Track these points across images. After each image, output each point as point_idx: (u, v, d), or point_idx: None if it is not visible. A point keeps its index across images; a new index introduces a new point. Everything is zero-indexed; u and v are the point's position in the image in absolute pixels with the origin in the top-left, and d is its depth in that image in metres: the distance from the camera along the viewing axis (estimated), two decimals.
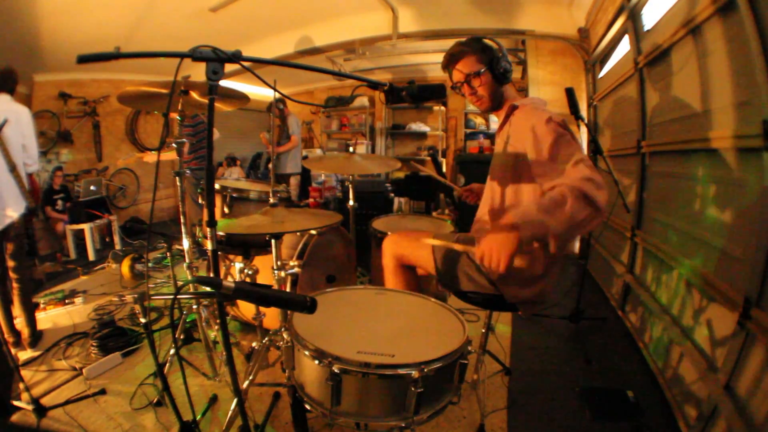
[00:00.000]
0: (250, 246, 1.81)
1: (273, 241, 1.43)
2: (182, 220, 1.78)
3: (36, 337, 2.26)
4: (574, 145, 1.11)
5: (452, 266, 1.37)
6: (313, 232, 1.95)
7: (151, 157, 2.64)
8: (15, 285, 2.13)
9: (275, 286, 1.38)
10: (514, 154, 1.29)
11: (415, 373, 0.86)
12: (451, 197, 1.87)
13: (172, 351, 1.86)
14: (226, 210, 1.89)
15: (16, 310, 2.16)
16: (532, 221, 0.93)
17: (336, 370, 0.86)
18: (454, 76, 1.37)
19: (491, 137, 5.99)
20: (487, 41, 1.33)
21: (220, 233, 1.66)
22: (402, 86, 1.28)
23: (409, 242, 1.45)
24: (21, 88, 4.23)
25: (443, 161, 6.45)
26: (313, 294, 1.04)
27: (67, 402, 1.71)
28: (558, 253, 0.99)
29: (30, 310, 2.23)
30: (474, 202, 1.67)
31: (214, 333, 1.93)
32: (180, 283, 0.85)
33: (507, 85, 1.38)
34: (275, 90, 1.18)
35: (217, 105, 1.70)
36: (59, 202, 4.31)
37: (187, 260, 1.81)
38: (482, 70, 1.31)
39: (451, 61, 1.35)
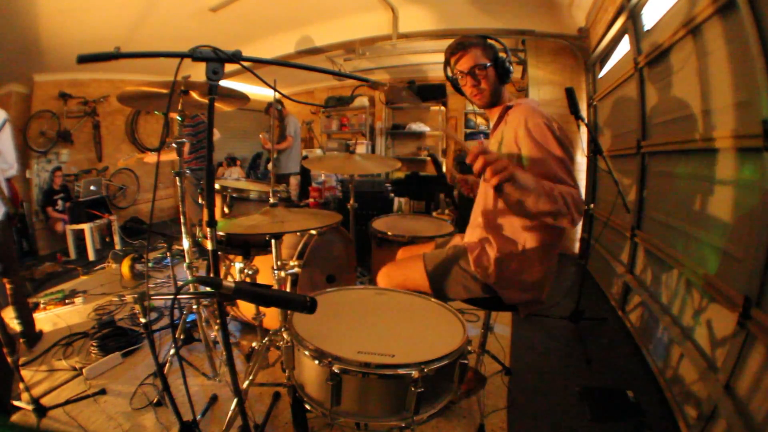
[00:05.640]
0: (250, 246, 1.81)
1: (273, 241, 1.43)
2: (182, 220, 1.78)
3: (35, 337, 2.26)
4: (568, 162, 1.17)
5: (446, 279, 1.38)
6: (313, 232, 1.95)
7: (151, 158, 2.64)
8: (7, 287, 2.13)
9: (275, 286, 1.38)
10: (508, 154, 1.29)
11: (415, 373, 0.86)
12: (451, 197, 1.87)
13: (172, 351, 1.86)
14: (226, 210, 1.89)
15: (10, 312, 2.15)
16: (524, 179, 1.00)
17: (336, 370, 0.86)
18: (458, 65, 1.37)
19: None
20: (492, 41, 1.37)
21: (220, 233, 1.66)
22: (402, 86, 1.29)
23: (401, 271, 1.46)
24: (21, 88, 4.26)
25: (443, 161, 6.45)
26: (313, 294, 1.04)
27: (67, 402, 1.71)
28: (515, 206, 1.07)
29: (26, 312, 2.23)
30: (467, 193, 1.68)
31: (214, 333, 1.93)
32: (180, 283, 0.84)
33: (505, 87, 1.41)
34: (275, 90, 1.19)
35: (217, 105, 1.70)
36: (59, 202, 4.32)
37: (187, 260, 1.81)
38: (488, 64, 1.33)
39: (458, 48, 1.36)
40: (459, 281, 1.36)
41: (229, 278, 2.04)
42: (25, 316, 2.22)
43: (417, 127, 6.55)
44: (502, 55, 1.34)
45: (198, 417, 1.61)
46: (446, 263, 1.39)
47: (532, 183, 1.01)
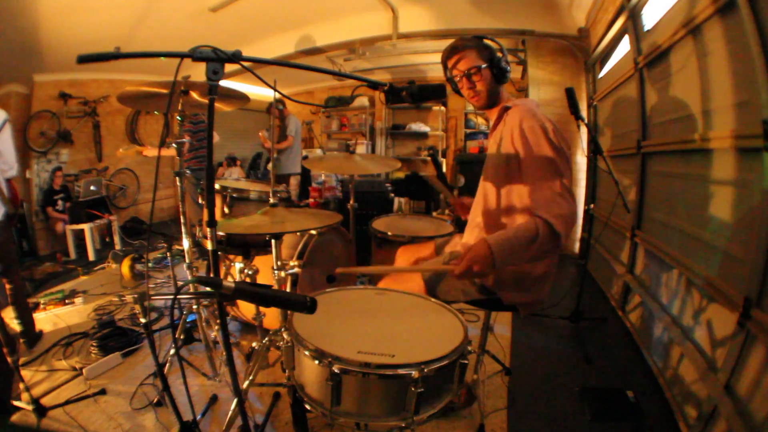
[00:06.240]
0: (250, 246, 1.81)
1: (273, 241, 1.43)
2: (182, 220, 1.78)
3: (35, 337, 2.26)
4: (562, 166, 1.17)
5: (443, 284, 1.37)
6: (313, 232, 1.95)
7: (150, 151, 2.64)
8: (7, 288, 2.13)
9: (275, 286, 1.38)
10: (506, 154, 1.30)
11: (415, 373, 0.85)
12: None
13: (172, 351, 1.86)
14: (226, 210, 1.89)
15: (10, 312, 2.15)
16: (506, 253, 1.09)
17: (336, 370, 0.86)
18: (454, 68, 1.37)
19: None
20: (488, 41, 1.36)
21: (220, 233, 1.66)
22: (402, 86, 1.28)
23: (397, 285, 1.45)
24: (21, 88, 4.25)
25: (443, 161, 6.45)
26: (313, 294, 1.04)
27: (67, 402, 1.71)
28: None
29: (26, 312, 2.23)
30: (464, 216, 1.67)
31: (214, 333, 1.93)
32: (180, 283, 0.84)
33: (503, 86, 1.40)
34: (275, 90, 1.18)
35: (217, 105, 1.70)
36: (59, 202, 4.32)
37: (187, 260, 1.81)
38: (483, 66, 1.32)
39: (453, 52, 1.35)
40: (457, 286, 1.36)
41: (229, 278, 2.04)
42: (25, 316, 2.22)
43: (417, 127, 6.55)
44: (498, 55, 1.33)
45: (198, 417, 1.61)
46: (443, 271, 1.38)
47: (510, 250, 1.09)
